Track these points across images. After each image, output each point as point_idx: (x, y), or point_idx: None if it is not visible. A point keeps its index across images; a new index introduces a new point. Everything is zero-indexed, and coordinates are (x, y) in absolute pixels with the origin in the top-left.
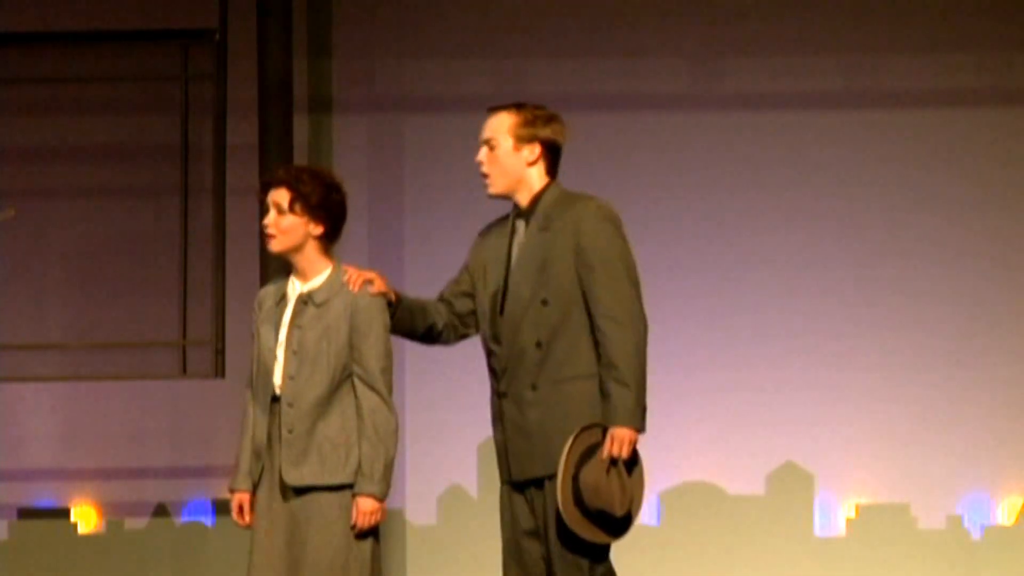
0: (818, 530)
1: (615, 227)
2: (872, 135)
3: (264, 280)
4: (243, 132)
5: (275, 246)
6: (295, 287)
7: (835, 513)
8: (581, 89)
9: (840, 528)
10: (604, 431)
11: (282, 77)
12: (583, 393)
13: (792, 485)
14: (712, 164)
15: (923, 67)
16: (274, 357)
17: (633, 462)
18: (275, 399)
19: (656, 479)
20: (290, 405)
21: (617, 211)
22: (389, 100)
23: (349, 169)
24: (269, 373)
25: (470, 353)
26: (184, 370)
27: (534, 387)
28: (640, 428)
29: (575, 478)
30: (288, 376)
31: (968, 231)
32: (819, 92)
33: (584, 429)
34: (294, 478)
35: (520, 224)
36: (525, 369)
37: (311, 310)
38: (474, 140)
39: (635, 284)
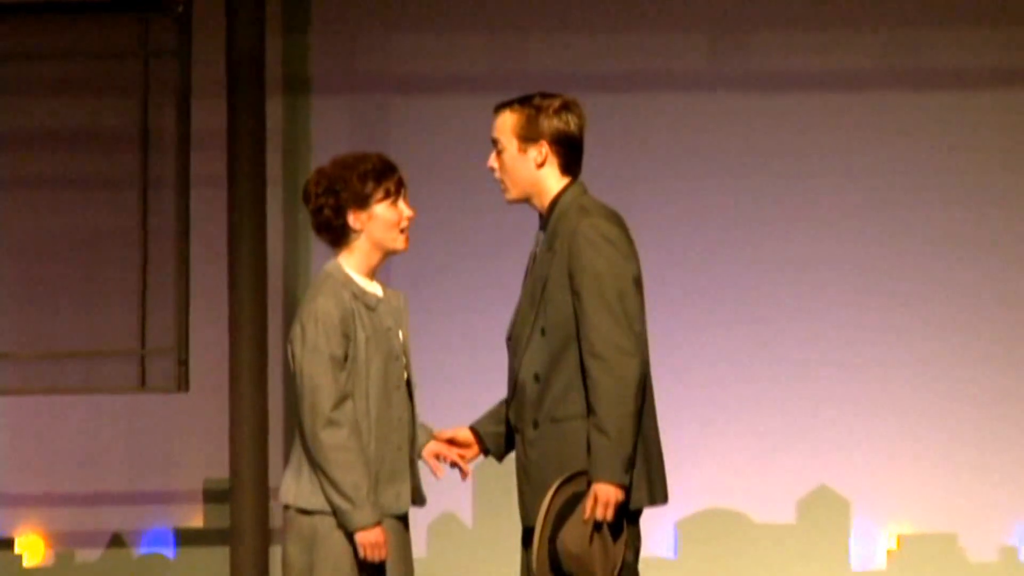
0: (855, 563)
1: (610, 247)
2: (914, 118)
3: (234, 281)
4: (210, 116)
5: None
6: (375, 289)
7: (874, 544)
8: (586, 67)
9: (880, 561)
10: (590, 481)
11: (253, 54)
12: (579, 435)
13: (826, 512)
14: (735, 150)
15: (972, 42)
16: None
17: (619, 521)
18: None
19: (672, 506)
20: (416, 415)
21: (617, 229)
22: (372, 79)
23: (328, 156)
24: (399, 386)
25: (462, 371)
26: (143, 383)
27: (535, 424)
28: (622, 482)
29: (552, 540)
30: (414, 385)
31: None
32: (852, 70)
33: (564, 481)
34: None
35: (540, 236)
36: (527, 404)
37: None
38: (466, 123)
39: (627, 314)
